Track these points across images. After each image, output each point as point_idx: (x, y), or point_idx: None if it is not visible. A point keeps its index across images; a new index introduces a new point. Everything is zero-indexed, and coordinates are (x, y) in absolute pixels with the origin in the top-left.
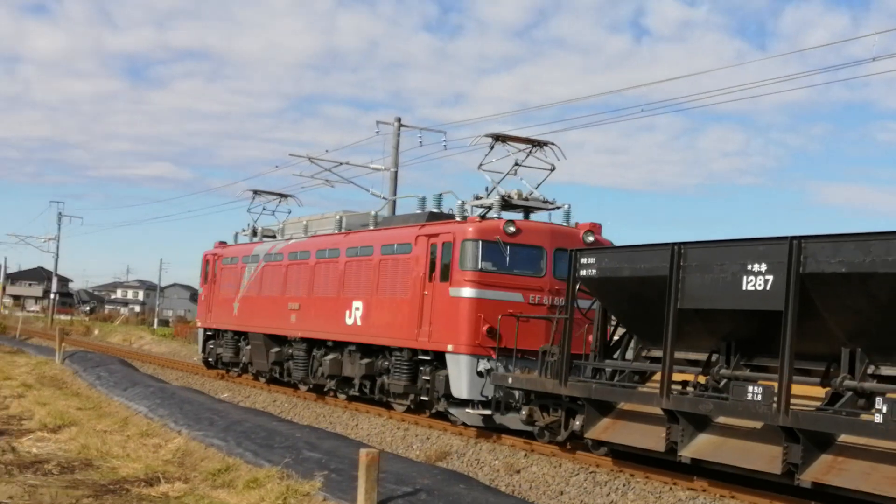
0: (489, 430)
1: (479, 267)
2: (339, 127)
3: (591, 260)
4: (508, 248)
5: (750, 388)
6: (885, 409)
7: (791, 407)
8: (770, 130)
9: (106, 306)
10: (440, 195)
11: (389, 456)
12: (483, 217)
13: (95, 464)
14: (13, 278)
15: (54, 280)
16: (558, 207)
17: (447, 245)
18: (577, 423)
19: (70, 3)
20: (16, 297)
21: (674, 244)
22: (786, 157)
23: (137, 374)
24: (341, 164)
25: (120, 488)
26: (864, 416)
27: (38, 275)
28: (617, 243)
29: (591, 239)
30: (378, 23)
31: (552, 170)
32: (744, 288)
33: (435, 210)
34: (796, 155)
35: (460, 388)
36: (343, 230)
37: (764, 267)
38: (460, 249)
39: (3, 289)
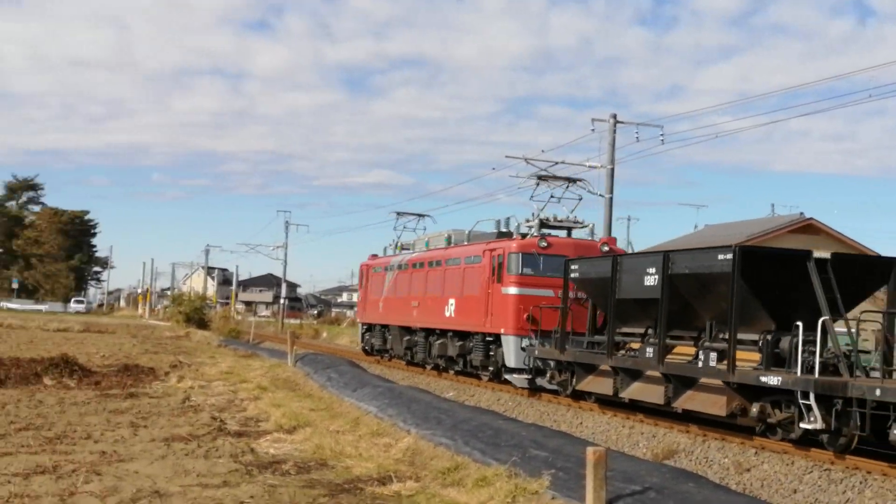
0: (533, 390)
1: (521, 272)
2: (555, 127)
3: (576, 266)
4: (542, 258)
5: (648, 350)
6: (702, 358)
7: (665, 360)
8: None
9: (333, 310)
10: (508, 218)
11: (616, 454)
12: (524, 235)
13: (330, 463)
14: (245, 285)
15: (283, 286)
16: (585, 226)
17: (500, 256)
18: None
19: (290, 18)
20: (247, 303)
21: (613, 256)
22: None
23: (366, 375)
24: (557, 163)
25: (354, 487)
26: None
27: (268, 281)
28: (845, 232)
29: (605, 249)
30: (591, 19)
31: (580, 199)
32: (645, 284)
33: (504, 230)
34: None
35: (510, 360)
36: (451, 244)
37: (653, 270)
38: (507, 259)
39: (236, 295)
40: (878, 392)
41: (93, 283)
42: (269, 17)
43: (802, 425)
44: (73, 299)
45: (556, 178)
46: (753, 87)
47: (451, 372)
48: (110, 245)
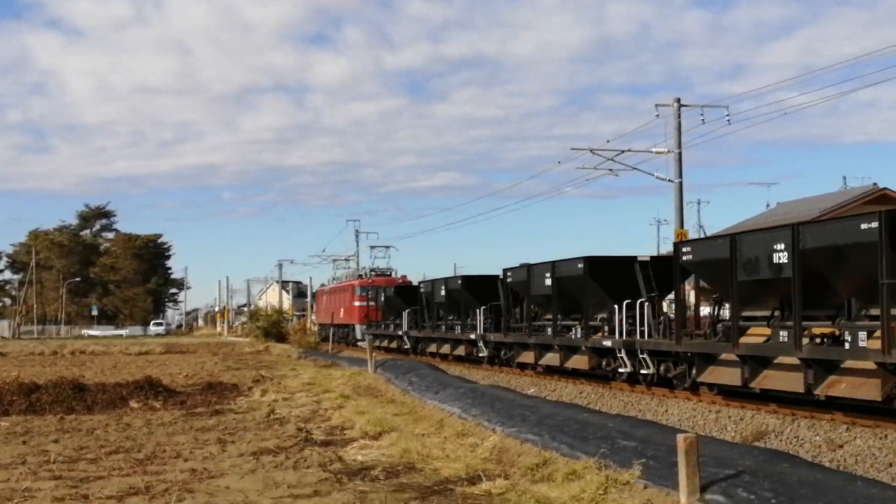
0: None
1: (360, 294)
2: (618, 116)
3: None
4: (369, 287)
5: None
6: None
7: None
8: None
9: None
10: (363, 268)
11: (705, 439)
12: (361, 276)
13: (418, 466)
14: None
15: None
16: (393, 270)
17: (354, 287)
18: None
19: (349, 29)
20: None
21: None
22: None
23: (446, 377)
24: (623, 151)
25: (444, 489)
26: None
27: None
28: None
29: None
30: (648, 5)
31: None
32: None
33: (360, 274)
34: None
35: (357, 335)
36: (342, 280)
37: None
38: (355, 289)
39: (311, 307)
40: None
41: (170, 304)
42: (327, 30)
43: None
44: (152, 322)
45: (378, 247)
46: (818, 59)
47: (348, 345)
48: (185, 266)
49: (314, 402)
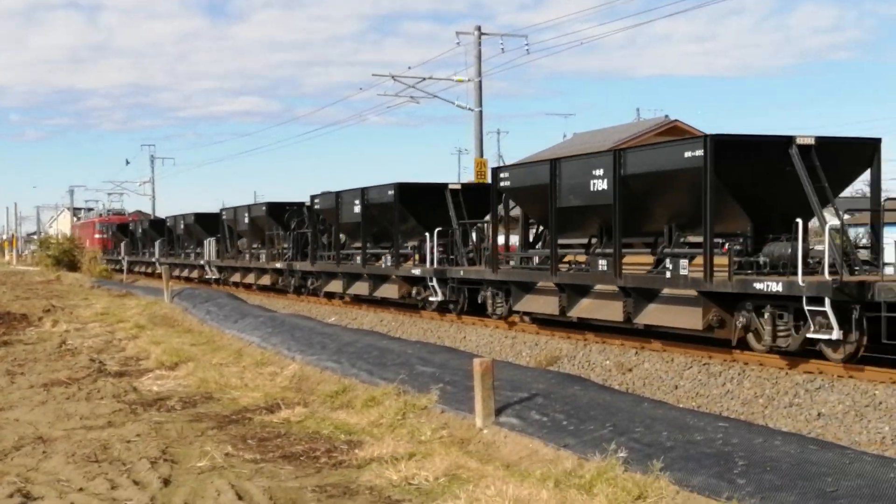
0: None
1: (99, 229)
2: (421, 44)
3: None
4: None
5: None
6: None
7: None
8: (864, 2)
9: None
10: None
11: (501, 364)
12: (100, 215)
13: (216, 396)
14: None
15: None
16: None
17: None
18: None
19: None
20: None
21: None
22: (881, 28)
23: (246, 306)
24: (424, 79)
25: (242, 417)
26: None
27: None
28: (711, 132)
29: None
30: None
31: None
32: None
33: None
34: (893, 25)
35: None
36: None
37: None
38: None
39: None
40: None
41: None
42: None
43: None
44: None
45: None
46: None
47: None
48: None
49: (108, 332)
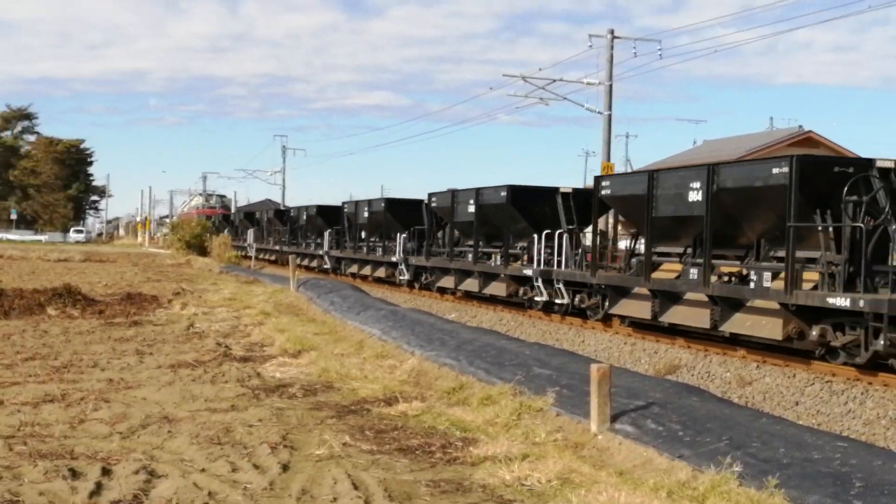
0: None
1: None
2: (555, 44)
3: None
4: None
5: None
6: (755, 279)
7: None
8: None
9: None
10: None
11: (619, 370)
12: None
13: (336, 386)
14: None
15: None
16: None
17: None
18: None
19: None
20: None
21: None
22: None
23: (368, 299)
24: (555, 81)
25: (361, 408)
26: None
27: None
28: (845, 145)
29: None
30: None
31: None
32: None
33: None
34: None
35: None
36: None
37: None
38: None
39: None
40: None
41: (91, 212)
42: None
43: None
44: (72, 229)
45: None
46: None
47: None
48: (108, 174)
49: (234, 317)
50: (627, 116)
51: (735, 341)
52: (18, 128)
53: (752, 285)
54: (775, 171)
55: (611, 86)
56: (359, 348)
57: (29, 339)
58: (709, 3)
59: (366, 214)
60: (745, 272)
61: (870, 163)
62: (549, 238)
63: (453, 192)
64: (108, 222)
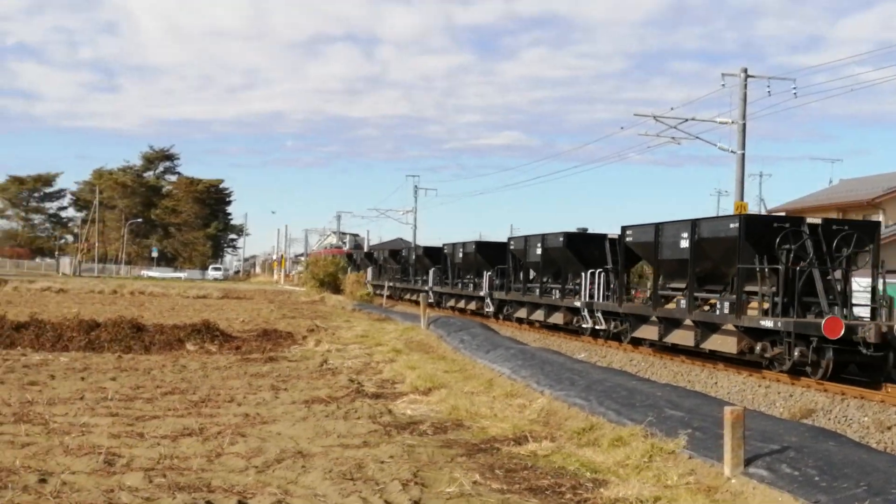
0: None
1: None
2: (687, 82)
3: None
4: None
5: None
6: (719, 308)
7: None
8: None
9: None
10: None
11: (753, 413)
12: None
13: (466, 424)
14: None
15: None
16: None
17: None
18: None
19: None
20: None
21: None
22: None
23: (498, 337)
24: (686, 120)
25: (490, 447)
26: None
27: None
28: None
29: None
30: None
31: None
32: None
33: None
34: None
35: None
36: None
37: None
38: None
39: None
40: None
41: (229, 250)
42: None
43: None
44: (210, 266)
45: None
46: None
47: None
48: (245, 213)
49: (366, 354)
50: (761, 155)
51: (714, 357)
52: (160, 168)
53: (717, 312)
54: (731, 225)
55: (744, 125)
56: (488, 387)
57: (168, 373)
58: (845, 40)
59: (460, 255)
60: (714, 302)
61: (801, 220)
62: (594, 276)
63: (525, 238)
64: (245, 260)
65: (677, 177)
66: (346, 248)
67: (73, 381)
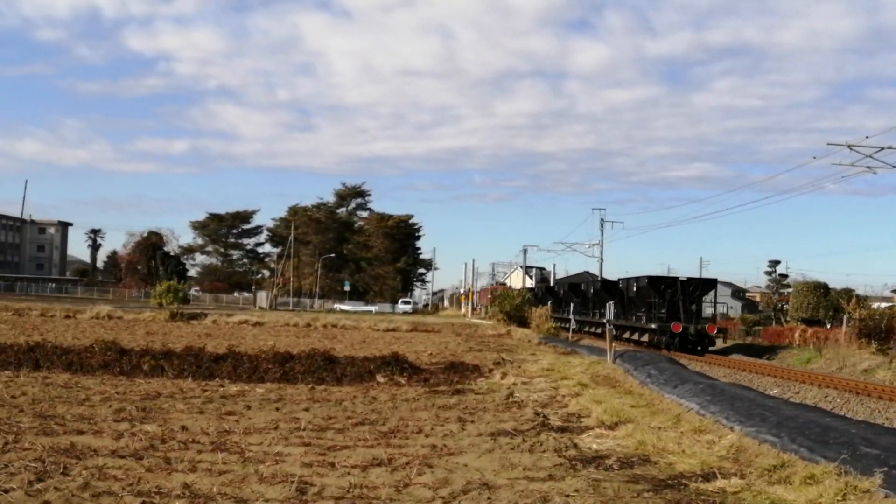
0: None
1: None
2: (887, 110)
3: (623, 279)
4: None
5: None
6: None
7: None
8: None
9: None
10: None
11: None
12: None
13: (652, 459)
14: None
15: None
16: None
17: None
18: None
19: (610, 15)
20: None
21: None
22: None
23: (685, 372)
24: (883, 149)
25: (678, 483)
26: None
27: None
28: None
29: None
30: None
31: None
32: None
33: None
34: None
35: None
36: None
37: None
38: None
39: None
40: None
41: (418, 284)
42: (588, 15)
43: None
44: (400, 300)
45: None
46: None
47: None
48: (433, 247)
49: (552, 387)
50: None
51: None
52: (352, 204)
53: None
54: (633, 285)
55: None
56: (676, 422)
57: (359, 405)
58: None
59: (591, 291)
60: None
61: (676, 278)
62: (661, 306)
63: (625, 280)
64: (434, 293)
65: (874, 207)
66: (531, 281)
67: (268, 412)
